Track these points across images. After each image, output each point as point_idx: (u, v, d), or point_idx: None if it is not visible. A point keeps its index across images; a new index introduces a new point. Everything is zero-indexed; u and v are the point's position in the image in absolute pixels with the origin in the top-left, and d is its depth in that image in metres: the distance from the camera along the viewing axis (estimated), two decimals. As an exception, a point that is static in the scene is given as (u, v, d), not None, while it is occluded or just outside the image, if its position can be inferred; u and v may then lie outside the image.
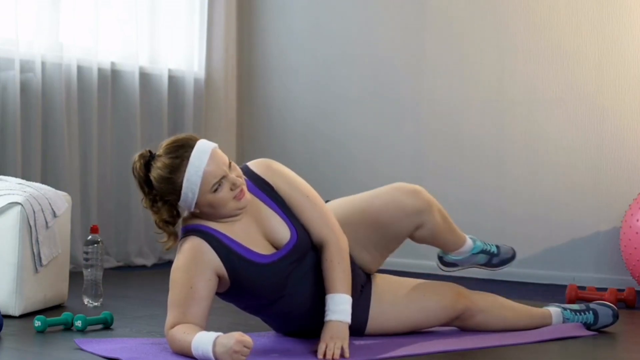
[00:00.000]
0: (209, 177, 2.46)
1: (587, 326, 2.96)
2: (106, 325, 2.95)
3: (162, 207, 2.52)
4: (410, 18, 4.96)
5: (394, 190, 2.73)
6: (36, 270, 3.23)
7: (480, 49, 4.73)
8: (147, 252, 4.96)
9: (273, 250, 2.57)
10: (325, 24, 5.28)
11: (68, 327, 2.90)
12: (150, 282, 4.35)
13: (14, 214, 3.17)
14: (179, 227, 2.58)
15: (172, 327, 2.44)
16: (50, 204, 3.30)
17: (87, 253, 3.41)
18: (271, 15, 5.47)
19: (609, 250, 4.29)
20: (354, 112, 5.16)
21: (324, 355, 2.45)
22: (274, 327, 2.81)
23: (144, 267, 4.88)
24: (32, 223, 3.19)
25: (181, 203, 2.51)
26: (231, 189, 2.48)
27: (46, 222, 3.26)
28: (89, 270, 3.41)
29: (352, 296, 2.61)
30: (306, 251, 2.61)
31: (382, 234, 2.72)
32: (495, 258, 2.98)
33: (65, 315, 2.91)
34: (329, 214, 2.64)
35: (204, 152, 2.47)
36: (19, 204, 3.17)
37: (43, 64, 4.54)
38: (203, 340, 2.32)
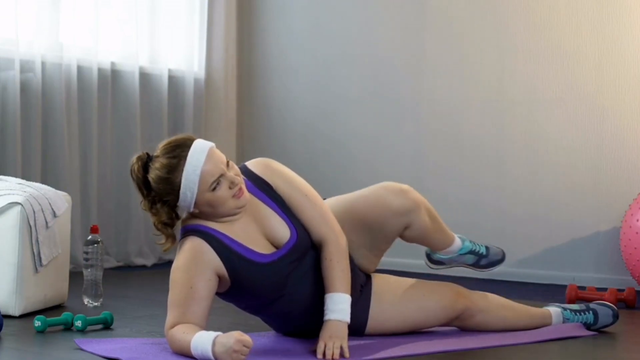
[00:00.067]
0: (207, 175, 2.46)
1: (587, 326, 2.96)
2: (106, 325, 2.95)
3: (161, 209, 2.52)
4: (410, 18, 4.96)
5: (382, 189, 2.71)
6: (36, 270, 3.23)
7: (480, 49, 4.73)
8: (147, 252, 4.96)
9: (273, 250, 2.58)
10: (325, 24, 5.28)
11: (68, 327, 2.90)
12: (150, 282, 4.35)
13: (14, 214, 3.17)
14: (178, 228, 2.59)
15: (172, 327, 2.44)
16: (50, 204, 3.30)
17: (87, 253, 3.41)
18: (271, 15, 5.47)
19: (609, 250, 4.29)
20: (354, 112, 5.16)
21: (324, 355, 2.45)
22: (274, 327, 2.81)
23: (144, 267, 4.89)
24: (32, 223, 3.19)
25: (180, 203, 2.51)
26: (230, 188, 2.48)
27: (46, 222, 3.26)
28: (89, 270, 3.41)
29: (352, 296, 2.61)
30: (306, 250, 2.61)
31: (371, 234, 2.72)
32: (484, 259, 2.97)
33: (65, 315, 2.91)
34: (329, 213, 2.64)
35: (201, 151, 2.47)
36: (19, 204, 3.17)
37: (43, 64, 4.54)
38: (202, 339, 2.32)
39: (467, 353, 2.61)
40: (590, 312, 2.97)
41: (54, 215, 3.31)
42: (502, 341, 2.73)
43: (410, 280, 2.82)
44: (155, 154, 2.52)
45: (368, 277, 2.78)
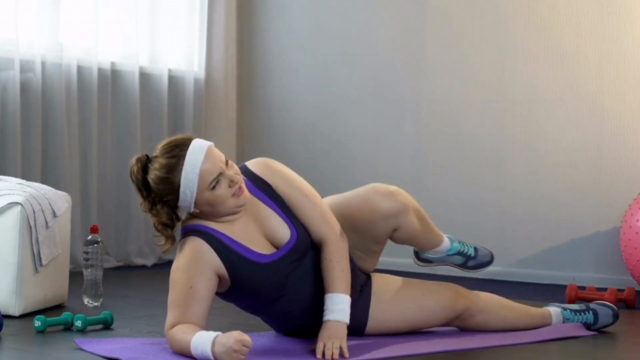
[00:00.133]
0: (206, 174, 2.46)
1: (587, 326, 2.96)
2: (106, 325, 2.95)
3: (161, 210, 2.51)
4: (410, 18, 4.96)
5: (371, 192, 2.69)
6: (36, 270, 3.23)
7: (480, 49, 4.73)
8: (147, 252, 4.96)
9: (273, 250, 2.58)
10: (325, 24, 5.28)
11: (68, 327, 2.90)
12: (150, 282, 4.35)
13: (14, 214, 3.17)
14: (178, 229, 2.58)
15: (172, 327, 2.44)
16: (50, 204, 3.30)
17: (87, 253, 3.41)
18: (271, 15, 5.47)
19: (609, 250, 4.29)
20: (354, 112, 5.16)
21: (323, 355, 2.45)
22: (274, 327, 2.81)
23: (144, 267, 4.89)
24: (32, 223, 3.19)
25: (180, 203, 2.51)
26: (229, 186, 2.48)
27: (46, 222, 3.26)
28: (89, 270, 3.41)
29: (352, 296, 2.61)
30: (306, 250, 2.61)
31: (360, 236, 2.70)
32: (471, 261, 2.97)
33: (65, 315, 2.91)
34: (329, 213, 2.64)
35: (199, 150, 2.47)
36: (19, 204, 3.17)
37: (43, 64, 4.54)
38: (202, 339, 2.32)
39: (467, 353, 2.61)
40: (590, 312, 2.97)
41: (54, 215, 3.31)
42: (502, 341, 2.73)
43: (410, 280, 2.82)
44: (154, 154, 2.52)
45: (368, 277, 2.77)
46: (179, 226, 2.59)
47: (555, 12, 4.50)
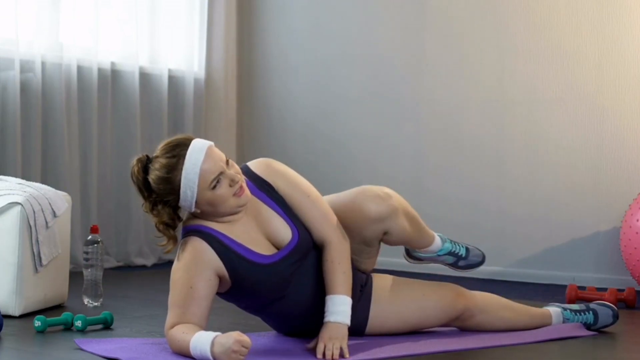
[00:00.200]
0: (206, 173, 2.46)
1: (587, 326, 2.96)
2: (106, 325, 2.95)
3: (162, 210, 2.51)
4: (410, 18, 4.96)
5: (360, 195, 2.67)
6: (36, 270, 3.23)
7: (480, 49, 4.73)
8: (147, 252, 4.96)
9: (274, 251, 2.57)
10: (325, 24, 5.28)
11: (68, 327, 2.90)
12: (150, 282, 4.35)
13: (14, 214, 3.17)
14: (179, 229, 2.58)
15: (172, 327, 2.44)
16: (50, 204, 3.30)
17: (87, 253, 3.41)
18: (271, 15, 5.47)
19: (609, 250, 4.29)
20: (354, 112, 5.16)
21: (324, 355, 2.45)
22: (274, 327, 2.80)
23: (144, 267, 4.89)
24: (32, 223, 3.19)
25: (181, 203, 2.50)
26: (230, 185, 2.48)
27: (46, 222, 3.26)
28: (89, 270, 3.41)
29: (352, 296, 2.60)
30: (307, 250, 2.61)
31: (350, 238, 2.67)
32: (462, 261, 2.96)
33: (65, 315, 2.91)
34: (331, 214, 2.63)
35: (199, 149, 2.47)
36: (19, 204, 3.17)
37: (43, 64, 4.54)
38: (201, 339, 2.32)
39: (467, 353, 2.61)
40: (590, 312, 2.97)
41: (54, 215, 3.31)
42: (502, 341, 2.73)
43: (410, 281, 2.82)
44: (154, 155, 2.52)
45: (368, 277, 2.77)
46: (180, 226, 2.59)
47: (555, 12, 4.50)
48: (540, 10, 4.55)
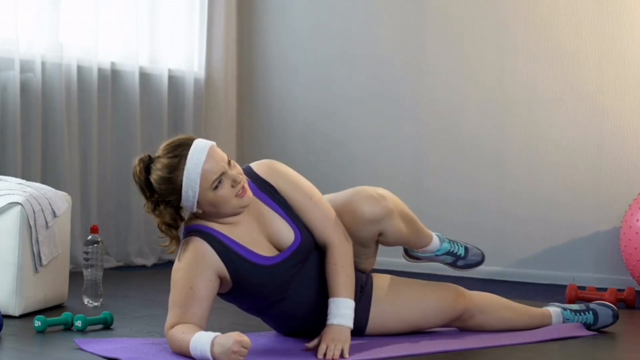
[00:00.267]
0: (208, 173, 2.45)
1: (587, 326, 2.96)
2: (106, 325, 2.95)
3: (164, 210, 2.51)
4: (410, 18, 4.96)
5: (355, 195, 2.66)
6: (36, 270, 3.23)
7: (480, 49, 4.73)
8: (147, 252, 4.96)
9: (275, 252, 2.57)
10: (325, 24, 5.28)
11: (68, 327, 2.90)
12: (150, 282, 4.35)
13: (14, 214, 3.17)
14: (181, 229, 2.58)
15: (172, 327, 2.44)
16: (50, 204, 3.30)
17: (87, 253, 3.41)
18: (271, 15, 5.47)
19: (609, 250, 4.29)
20: (354, 112, 5.16)
21: (324, 355, 2.45)
22: (275, 328, 2.80)
23: (144, 267, 4.89)
24: (32, 223, 3.19)
25: (183, 203, 2.50)
26: (232, 186, 2.47)
27: (46, 222, 3.26)
28: (89, 270, 3.41)
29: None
30: (309, 252, 2.61)
31: None
32: (461, 260, 2.96)
33: (65, 315, 2.91)
34: (333, 215, 2.63)
35: (201, 149, 2.46)
36: (19, 204, 3.17)
37: (43, 64, 4.54)
38: (201, 340, 2.32)
39: (467, 353, 2.61)
40: (590, 312, 2.97)
41: (54, 215, 3.31)
42: (502, 341, 2.73)
43: (410, 281, 2.82)
44: (156, 155, 2.52)
45: (368, 278, 2.77)
46: (182, 226, 2.58)
47: (555, 12, 4.50)
48: (540, 10, 4.55)
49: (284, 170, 2.66)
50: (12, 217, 3.17)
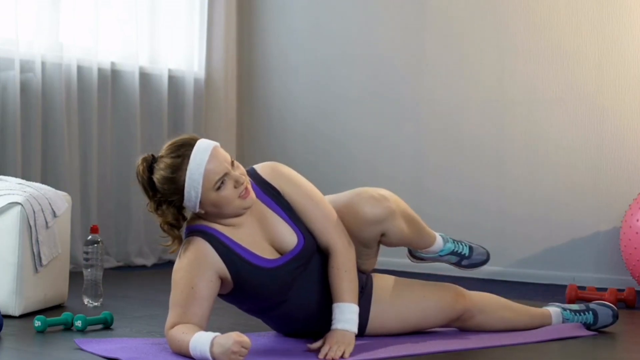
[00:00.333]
0: (211, 174, 2.45)
1: (587, 326, 2.96)
2: (106, 325, 2.95)
3: (167, 210, 2.50)
4: (410, 18, 4.96)
5: (356, 197, 2.65)
6: (36, 270, 3.23)
7: (480, 49, 4.73)
8: (147, 252, 4.96)
9: (277, 256, 2.57)
10: (325, 24, 5.28)
11: (68, 327, 2.90)
12: (150, 282, 4.35)
13: (14, 214, 3.17)
14: (184, 229, 2.58)
15: (172, 327, 2.44)
16: (50, 204, 3.30)
17: (87, 253, 3.41)
18: (271, 15, 5.47)
19: (609, 250, 4.29)
20: (354, 112, 5.16)
21: (325, 355, 2.45)
22: (276, 329, 2.80)
23: (144, 267, 4.89)
24: (32, 223, 3.19)
25: (185, 203, 2.49)
26: (235, 187, 2.47)
27: (46, 222, 3.26)
28: (89, 270, 3.41)
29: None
30: (311, 256, 2.60)
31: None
32: (465, 260, 2.95)
33: (65, 315, 2.91)
34: (336, 220, 2.62)
35: (204, 150, 2.46)
36: (19, 204, 3.17)
37: (43, 64, 4.54)
38: (201, 340, 2.32)
39: (467, 353, 2.61)
40: (590, 312, 2.97)
41: (54, 215, 3.31)
42: (502, 341, 2.73)
43: (410, 281, 2.82)
44: (159, 154, 2.51)
45: (368, 278, 2.77)
46: (184, 226, 2.58)
47: (555, 12, 4.50)
48: (540, 10, 4.55)
49: (287, 173, 2.65)
50: (12, 217, 3.17)
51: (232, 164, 2.49)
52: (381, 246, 2.79)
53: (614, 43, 4.35)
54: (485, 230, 4.58)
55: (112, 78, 4.88)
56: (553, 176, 4.50)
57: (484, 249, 2.99)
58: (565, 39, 4.47)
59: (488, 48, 4.71)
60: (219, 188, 2.45)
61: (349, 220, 2.64)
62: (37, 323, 2.84)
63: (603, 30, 4.37)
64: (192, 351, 2.33)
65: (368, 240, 2.69)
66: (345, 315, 2.53)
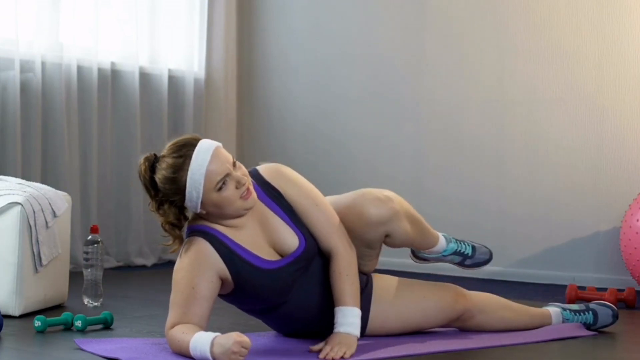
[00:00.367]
0: (212, 175, 2.44)
1: (587, 326, 2.96)
2: (106, 325, 2.95)
3: (168, 210, 2.50)
4: (410, 18, 4.96)
5: (360, 198, 2.65)
6: (36, 270, 3.23)
7: (480, 49, 4.73)
8: (147, 252, 4.96)
9: (278, 257, 2.57)
10: (325, 24, 5.28)
11: (68, 327, 2.90)
12: (150, 282, 4.35)
13: (14, 214, 3.17)
14: (185, 229, 2.58)
15: (172, 327, 2.44)
16: (50, 204, 3.30)
17: (87, 253, 3.41)
18: (271, 15, 5.47)
19: (609, 250, 4.29)
20: (354, 112, 5.16)
21: (326, 355, 2.45)
22: (276, 329, 2.80)
23: (144, 267, 4.88)
24: (32, 223, 3.19)
25: (187, 203, 2.49)
26: (236, 188, 2.46)
27: (46, 222, 3.26)
28: (89, 270, 3.41)
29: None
30: (312, 258, 2.60)
31: (352, 241, 2.66)
32: (468, 260, 2.95)
33: (65, 315, 2.91)
34: (338, 223, 2.62)
35: (206, 150, 2.46)
36: (19, 204, 3.17)
37: (43, 64, 4.54)
38: (201, 340, 2.32)
39: (467, 353, 2.61)
40: (590, 312, 2.97)
41: (54, 215, 3.31)
42: (502, 341, 2.73)
43: (410, 281, 2.82)
44: (161, 154, 2.51)
45: (368, 278, 2.77)
46: (185, 226, 2.58)
47: (555, 12, 4.50)
48: (540, 10, 4.55)
49: (290, 174, 2.65)
50: (12, 217, 3.17)
51: (234, 164, 2.49)
52: (381, 247, 2.79)
53: (614, 43, 4.35)
54: (485, 230, 4.58)
55: (112, 78, 4.88)
56: (553, 176, 4.50)
57: (487, 248, 2.99)
58: (565, 39, 4.47)
59: (488, 48, 4.71)
60: (220, 189, 2.45)
61: (353, 221, 2.64)
62: (37, 323, 2.84)
63: (603, 30, 4.37)
64: (192, 351, 2.33)
65: (372, 241, 2.68)
66: (348, 319, 2.52)
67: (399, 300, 2.74)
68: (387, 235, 2.68)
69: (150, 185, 2.50)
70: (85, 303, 3.41)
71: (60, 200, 3.39)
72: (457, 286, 2.85)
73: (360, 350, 2.53)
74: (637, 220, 3.77)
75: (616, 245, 4.12)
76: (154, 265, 4.93)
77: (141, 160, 2.51)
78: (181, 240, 2.52)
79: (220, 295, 2.56)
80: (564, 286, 3.93)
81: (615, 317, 2.97)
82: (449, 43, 4.84)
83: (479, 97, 4.74)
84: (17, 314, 3.15)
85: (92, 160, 4.74)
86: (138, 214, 4.87)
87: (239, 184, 2.47)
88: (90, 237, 3.42)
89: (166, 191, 2.48)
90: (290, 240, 2.57)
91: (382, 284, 2.76)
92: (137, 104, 4.93)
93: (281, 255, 2.57)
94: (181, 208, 2.52)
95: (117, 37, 4.99)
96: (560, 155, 4.48)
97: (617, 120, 4.33)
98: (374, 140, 5.08)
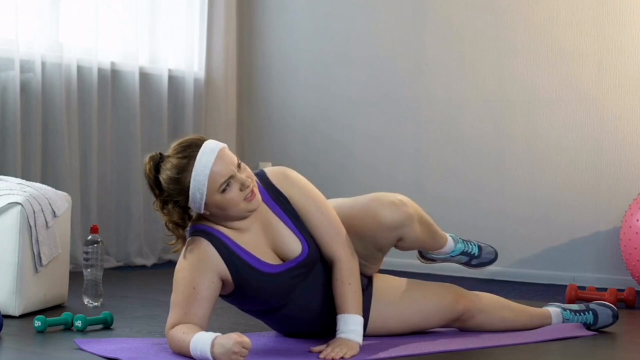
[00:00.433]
0: (216, 176, 2.44)
1: (587, 326, 2.96)
2: (106, 325, 2.95)
3: (172, 210, 2.49)
4: (410, 18, 4.96)
5: (374, 202, 2.64)
6: (36, 270, 3.23)
7: (480, 49, 4.73)
8: (147, 252, 4.96)
9: (280, 262, 2.56)
10: (325, 24, 5.28)
11: (68, 327, 2.90)
12: (150, 282, 4.35)
13: (14, 214, 3.17)
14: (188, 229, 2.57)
15: (173, 327, 2.44)
16: (50, 204, 3.30)
17: (87, 253, 3.41)
18: (271, 15, 5.47)
19: (609, 250, 4.29)
20: (354, 112, 5.16)
21: (326, 355, 2.45)
22: (276, 330, 2.80)
23: (144, 267, 4.88)
24: (32, 223, 3.19)
25: (190, 204, 2.48)
26: (240, 190, 2.46)
27: (46, 222, 3.26)
28: (89, 270, 3.41)
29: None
30: (314, 263, 2.60)
31: (364, 245, 2.66)
32: (475, 260, 2.96)
33: (65, 315, 2.91)
34: (343, 231, 2.61)
35: (210, 151, 2.45)
36: (19, 204, 3.17)
37: (43, 64, 4.54)
38: (201, 340, 2.32)
39: (467, 353, 2.61)
40: (590, 312, 2.97)
41: (54, 215, 3.31)
42: (502, 341, 2.73)
43: (410, 282, 2.82)
44: (167, 154, 2.50)
45: (369, 279, 2.77)
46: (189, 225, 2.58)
47: (555, 12, 4.50)
48: (540, 10, 4.55)
49: (297, 180, 2.64)
50: (12, 217, 3.17)
51: (239, 166, 2.48)
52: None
53: (614, 43, 4.35)
54: (485, 230, 4.58)
55: (112, 78, 4.88)
56: (553, 176, 4.50)
57: (492, 247, 3.00)
58: (565, 39, 4.47)
59: (488, 48, 4.71)
60: (224, 190, 2.45)
61: (366, 225, 2.63)
62: (37, 323, 2.84)
63: (603, 30, 4.37)
64: (193, 351, 2.33)
65: (384, 245, 2.68)
66: (350, 327, 2.52)
67: (400, 300, 2.74)
68: (399, 239, 2.68)
69: (155, 184, 2.50)
70: (85, 303, 3.41)
71: (60, 200, 3.39)
72: (457, 286, 2.86)
73: (361, 350, 2.53)
74: (637, 220, 3.77)
75: (616, 245, 4.12)
76: (154, 265, 4.93)
77: (146, 159, 2.51)
78: (184, 240, 2.52)
79: (221, 296, 2.56)
80: (564, 286, 3.93)
81: (616, 317, 2.97)
82: (449, 43, 4.84)
83: (479, 97, 4.74)
84: (17, 314, 3.15)
85: (92, 160, 4.74)
86: (138, 214, 4.87)
87: (243, 186, 2.46)
88: (90, 237, 3.42)
89: (170, 191, 2.47)
90: (293, 245, 2.56)
91: (383, 284, 2.76)
92: (137, 104, 4.93)
93: (283, 260, 2.57)
94: (185, 208, 2.51)
95: (117, 37, 4.99)
96: (560, 155, 4.48)
97: (617, 120, 4.33)
98: (374, 140, 5.08)
